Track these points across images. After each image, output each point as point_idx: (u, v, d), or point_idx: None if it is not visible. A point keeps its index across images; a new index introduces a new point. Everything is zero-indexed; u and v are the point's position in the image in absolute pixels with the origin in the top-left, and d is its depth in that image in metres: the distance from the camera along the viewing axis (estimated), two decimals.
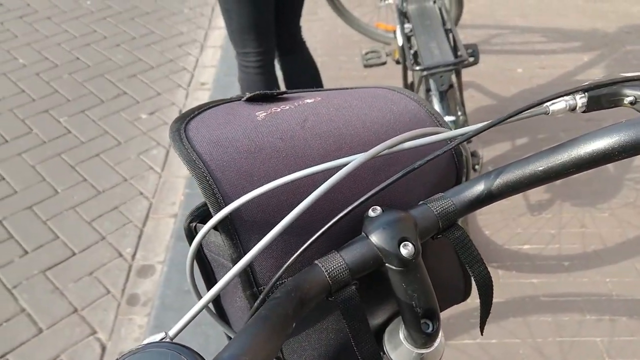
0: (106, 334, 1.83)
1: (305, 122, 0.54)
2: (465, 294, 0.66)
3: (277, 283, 0.49)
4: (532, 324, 1.79)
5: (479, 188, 0.52)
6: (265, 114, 0.55)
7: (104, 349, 1.79)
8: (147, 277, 2.00)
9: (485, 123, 0.49)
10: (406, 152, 0.55)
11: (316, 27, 3.36)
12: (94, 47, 3.27)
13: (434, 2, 1.97)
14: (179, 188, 2.36)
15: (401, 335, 0.55)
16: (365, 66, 2.76)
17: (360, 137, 0.55)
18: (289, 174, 0.49)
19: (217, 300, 0.64)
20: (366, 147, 0.54)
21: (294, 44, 2.11)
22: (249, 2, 1.90)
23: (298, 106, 0.57)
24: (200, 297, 0.56)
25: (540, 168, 0.49)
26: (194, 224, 0.58)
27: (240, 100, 0.60)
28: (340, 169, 0.47)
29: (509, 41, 3.17)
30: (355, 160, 0.47)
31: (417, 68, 1.66)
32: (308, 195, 0.47)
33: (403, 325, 0.53)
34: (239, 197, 0.48)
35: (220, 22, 3.56)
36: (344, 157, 0.52)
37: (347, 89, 0.63)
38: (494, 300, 1.88)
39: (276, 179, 0.48)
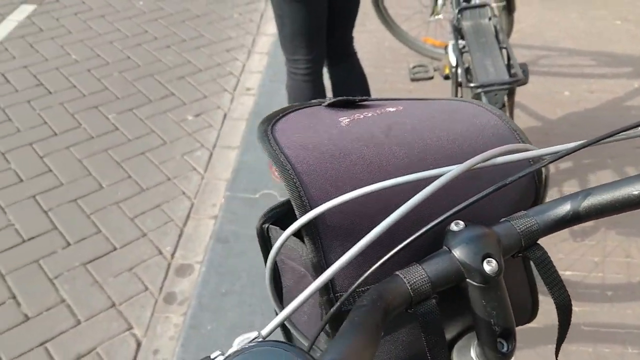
0: (142, 331, 1.85)
1: (389, 130, 0.54)
2: (532, 316, 0.65)
3: (356, 291, 0.48)
4: (571, 353, 1.74)
5: (565, 208, 0.51)
6: (348, 120, 0.55)
7: (139, 345, 1.81)
8: (185, 277, 2.01)
9: (579, 143, 0.48)
10: (488, 168, 0.54)
11: (364, 38, 3.36)
12: (145, 47, 3.34)
13: (490, 19, 1.95)
14: (220, 190, 2.38)
15: (472, 353, 0.54)
16: (412, 80, 2.76)
17: (445, 148, 0.54)
18: (373, 181, 0.49)
19: (279, 300, 0.64)
20: (450, 159, 0.53)
21: (345, 54, 2.11)
22: (302, 10, 1.91)
23: (380, 114, 0.56)
24: (279, 301, 0.56)
25: (636, 192, 0.48)
26: (266, 225, 0.58)
27: (320, 105, 0.60)
28: (433, 180, 0.47)
29: (557, 63, 3.12)
30: (450, 172, 0.46)
31: (472, 85, 1.64)
32: (394, 204, 0.46)
33: (476, 343, 0.52)
34: (324, 202, 0.47)
35: (268, 28, 3.60)
36: (428, 168, 0.52)
37: (427, 99, 0.63)
38: (532, 325, 1.84)
39: (361, 185, 0.48)
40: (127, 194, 2.36)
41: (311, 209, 0.48)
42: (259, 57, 3.33)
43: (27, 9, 3.69)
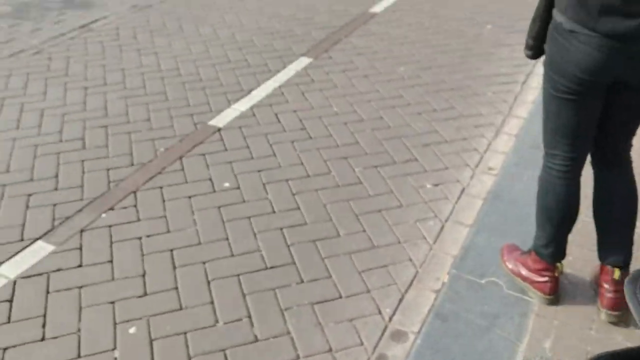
0: None
1: None
2: None
3: None
4: None
5: None
6: None
7: None
8: (399, 343, 2.06)
9: None
10: None
11: None
12: (398, 111, 3.55)
13: None
14: (445, 265, 2.40)
15: None
16: None
17: None
18: None
19: None
20: None
21: (616, 159, 2.00)
22: (572, 108, 1.87)
23: None
24: None
25: None
26: None
27: None
28: None
29: None
30: None
31: None
32: None
33: None
34: None
35: (520, 111, 3.57)
36: None
37: None
38: None
39: None
40: (359, 246, 2.51)
41: None
42: (507, 138, 3.30)
43: (304, 61, 4.19)
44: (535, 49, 1.97)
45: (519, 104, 3.66)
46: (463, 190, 2.89)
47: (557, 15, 1.79)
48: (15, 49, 4.33)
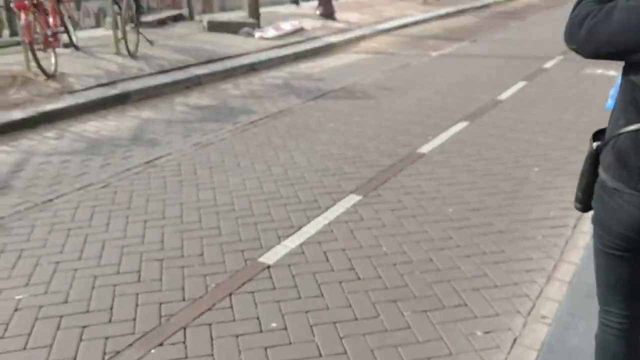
0: None
1: None
2: None
3: None
4: None
5: None
6: None
7: None
8: None
9: None
10: None
11: None
12: (447, 253, 3.56)
13: None
14: None
15: None
16: None
17: None
18: None
19: None
20: None
21: None
22: (619, 265, 1.87)
23: None
24: None
25: None
26: None
27: None
28: None
29: None
30: None
31: None
32: None
33: None
34: None
35: (572, 256, 3.52)
36: None
37: None
38: None
39: None
40: None
41: None
42: (559, 285, 3.24)
43: (354, 199, 4.33)
44: (584, 203, 2.00)
45: (570, 248, 3.62)
46: (515, 339, 2.80)
47: (602, 173, 1.84)
48: (84, 182, 4.66)
